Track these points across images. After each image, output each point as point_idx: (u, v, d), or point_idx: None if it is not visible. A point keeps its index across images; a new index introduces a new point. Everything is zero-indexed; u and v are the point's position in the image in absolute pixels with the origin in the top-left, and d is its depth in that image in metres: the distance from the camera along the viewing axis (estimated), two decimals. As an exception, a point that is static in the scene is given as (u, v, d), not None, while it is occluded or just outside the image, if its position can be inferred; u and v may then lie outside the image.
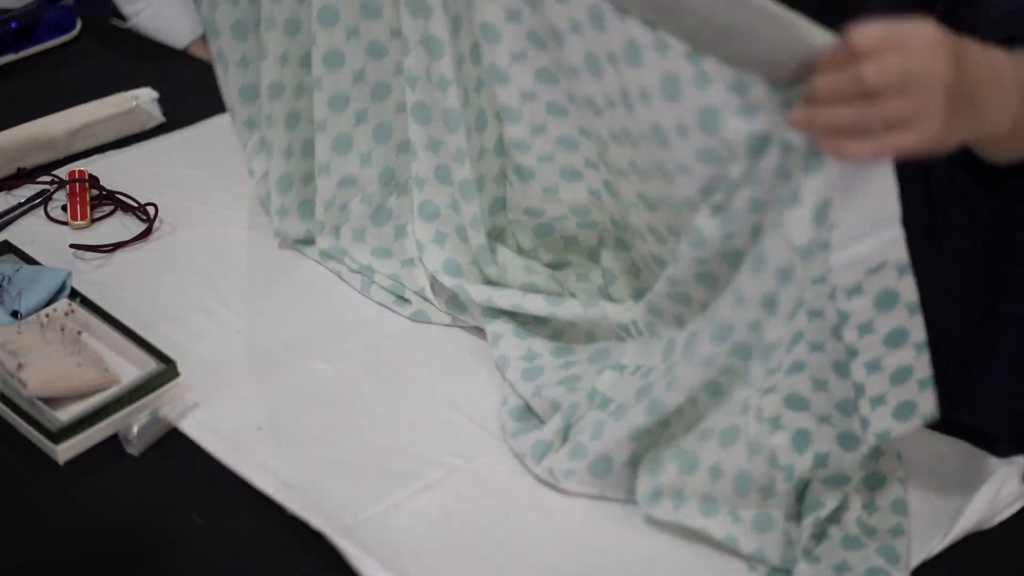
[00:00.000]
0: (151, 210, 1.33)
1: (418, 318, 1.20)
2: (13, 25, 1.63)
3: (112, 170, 1.40)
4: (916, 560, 0.96)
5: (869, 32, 0.78)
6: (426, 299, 1.20)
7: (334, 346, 1.17)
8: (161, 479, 1.02)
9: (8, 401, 1.04)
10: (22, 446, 1.03)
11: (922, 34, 0.79)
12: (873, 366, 0.89)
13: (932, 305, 1.22)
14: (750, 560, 0.95)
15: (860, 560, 0.94)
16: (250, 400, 1.10)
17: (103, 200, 1.35)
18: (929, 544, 0.97)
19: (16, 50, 1.64)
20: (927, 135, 0.79)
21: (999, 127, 0.86)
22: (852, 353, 0.89)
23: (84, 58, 1.68)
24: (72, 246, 1.28)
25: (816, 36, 0.79)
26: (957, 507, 0.99)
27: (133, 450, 1.03)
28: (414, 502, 1.00)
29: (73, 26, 1.71)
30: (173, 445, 1.04)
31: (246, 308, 1.21)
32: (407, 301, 1.21)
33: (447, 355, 1.17)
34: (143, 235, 1.30)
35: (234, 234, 1.32)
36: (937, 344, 1.31)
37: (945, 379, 1.34)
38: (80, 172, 1.37)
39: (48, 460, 1.02)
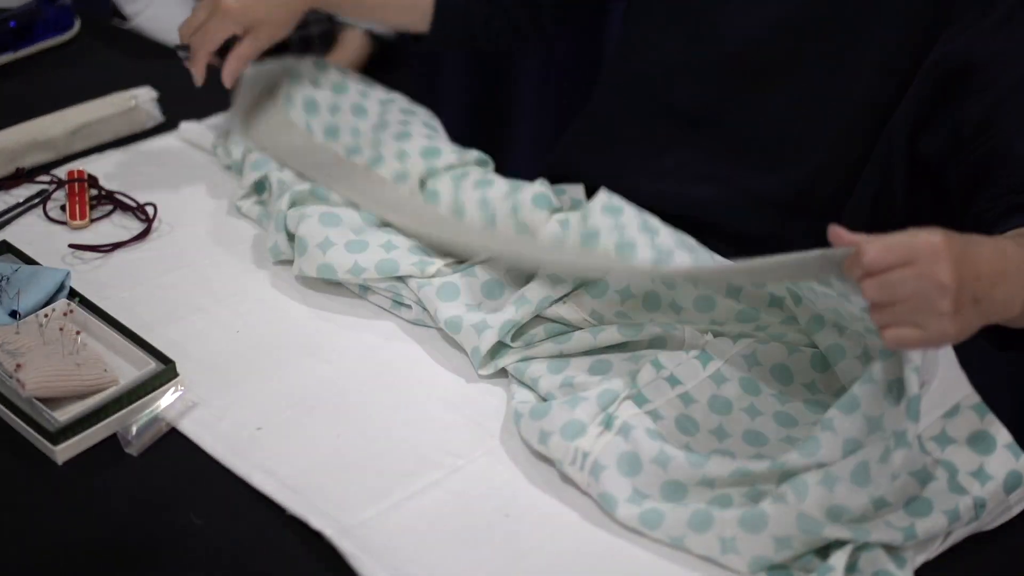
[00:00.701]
0: (150, 210, 1.33)
1: (418, 323, 1.20)
2: (11, 24, 1.63)
3: (111, 170, 1.40)
4: (917, 561, 0.95)
5: (876, 249, 0.85)
6: (425, 310, 1.20)
7: (334, 346, 1.17)
8: (160, 479, 1.01)
9: (6, 401, 1.04)
10: (21, 446, 1.03)
11: (927, 245, 0.85)
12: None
13: None
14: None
15: (868, 562, 0.94)
16: (249, 400, 1.09)
17: (102, 200, 1.34)
18: (931, 545, 0.96)
19: (14, 49, 1.64)
20: (935, 334, 0.87)
21: (1009, 313, 0.91)
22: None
23: (83, 57, 1.68)
24: (71, 246, 1.27)
25: (838, 252, 0.89)
26: (959, 507, 0.99)
27: (132, 450, 1.03)
28: (414, 502, 1.00)
29: (71, 25, 1.71)
30: (172, 445, 1.04)
31: (245, 308, 1.21)
32: (407, 306, 1.20)
33: (447, 355, 1.17)
34: (142, 235, 1.30)
35: (233, 234, 1.32)
36: None
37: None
38: (79, 172, 1.36)
39: (47, 460, 1.02)
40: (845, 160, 1.19)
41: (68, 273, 1.17)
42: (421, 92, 2.08)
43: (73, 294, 1.16)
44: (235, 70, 1.35)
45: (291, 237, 1.24)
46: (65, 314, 1.12)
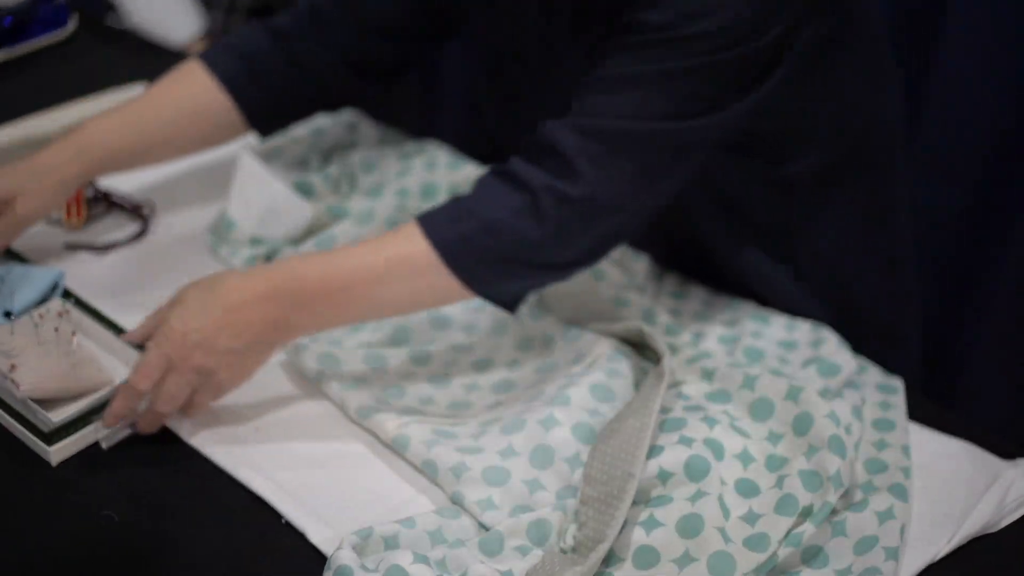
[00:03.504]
0: (146, 210, 1.32)
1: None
2: (6, 22, 1.62)
3: (107, 169, 1.39)
4: (922, 562, 0.95)
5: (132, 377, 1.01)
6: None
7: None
8: (157, 481, 1.01)
9: (0, 402, 1.03)
10: (16, 447, 1.02)
11: (157, 356, 1.00)
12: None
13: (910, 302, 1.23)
14: None
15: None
16: (247, 401, 1.08)
17: (98, 199, 1.33)
18: (935, 546, 0.96)
19: (9, 46, 1.63)
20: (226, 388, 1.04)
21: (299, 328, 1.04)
22: None
23: (80, 55, 1.67)
24: (67, 245, 1.26)
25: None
26: (964, 509, 0.98)
27: (104, 442, 1.02)
28: (413, 507, 0.99)
29: (67, 23, 1.70)
30: (169, 447, 1.03)
31: (242, 308, 1.20)
32: None
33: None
34: (139, 235, 1.29)
35: (230, 233, 1.31)
36: (924, 342, 1.32)
37: (935, 376, 1.33)
38: (75, 171, 1.35)
39: (42, 461, 1.01)
40: None
41: (61, 273, 1.16)
42: (419, 91, 2.07)
43: (67, 294, 1.15)
44: None
45: None
46: (60, 314, 1.11)
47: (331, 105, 1.33)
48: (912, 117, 1.60)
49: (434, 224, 1.03)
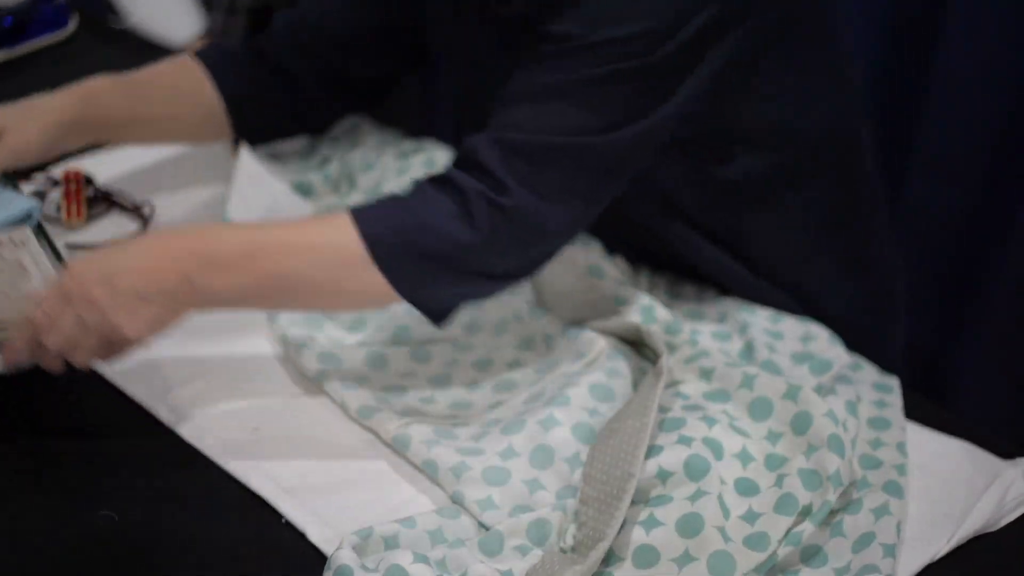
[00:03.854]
0: (146, 210, 1.32)
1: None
2: (7, 22, 1.62)
3: (107, 169, 1.39)
4: (922, 562, 0.95)
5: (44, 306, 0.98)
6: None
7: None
8: (157, 480, 1.00)
9: None
10: (22, 447, 1.02)
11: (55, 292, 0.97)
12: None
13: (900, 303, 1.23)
14: None
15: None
16: (247, 400, 1.09)
17: (98, 200, 1.34)
18: (935, 546, 0.96)
19: (10, 47, 1.63)
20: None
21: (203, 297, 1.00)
22: None
23: (79, 56, 1.67)
24: (67, 245, 1.26)
25: None
26: (963, 509, 0.98)
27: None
28: (414, 504, 0.99)
29: (66, 22, 1.70)
30: (168, 446, 1.03)
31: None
32: None
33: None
34: (138, 235, 1.29)
35: (230, 233, 1.31)
36: (920, 343, 1.32)
37: (936, 376, 1.33)
38: (75, 171, 1.35)
39: (42, 460, 1.01)
40: None
41: (37, 205, 1.13)
42: (419, 91, 2.07)
43: (43, 232, 1.09)
44: None
45: None
46: (17, 244, 1.04)
47: (315, 121, 1.38)
48: (912, 117, 1.60)
49: (366, 216, 1.01)
